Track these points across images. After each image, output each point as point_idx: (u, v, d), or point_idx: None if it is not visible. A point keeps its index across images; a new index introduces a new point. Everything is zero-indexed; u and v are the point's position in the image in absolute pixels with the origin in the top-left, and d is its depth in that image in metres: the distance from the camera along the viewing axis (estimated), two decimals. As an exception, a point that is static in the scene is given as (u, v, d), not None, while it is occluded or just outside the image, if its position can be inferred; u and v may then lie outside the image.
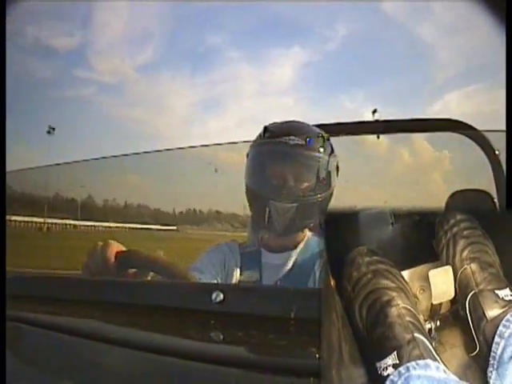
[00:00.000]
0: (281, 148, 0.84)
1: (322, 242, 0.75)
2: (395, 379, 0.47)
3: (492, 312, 0.59)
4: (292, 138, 0.83)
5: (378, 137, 1.23)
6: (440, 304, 0.64)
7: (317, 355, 0.39)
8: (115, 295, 0.59)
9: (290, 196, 0.83)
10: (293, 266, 0.88)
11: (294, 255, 0.89)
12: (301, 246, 0.90)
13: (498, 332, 0.56)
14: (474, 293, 0.61)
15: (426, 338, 0.52)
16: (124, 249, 0.68)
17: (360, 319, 0.56)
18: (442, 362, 0.50)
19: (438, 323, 0.64)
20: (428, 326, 0.62)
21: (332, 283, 0.56)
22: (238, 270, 0.90)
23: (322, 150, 0.85)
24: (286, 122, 0.90)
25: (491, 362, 0.55)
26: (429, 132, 1.37)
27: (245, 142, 0.94)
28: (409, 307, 0.54)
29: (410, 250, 0.68)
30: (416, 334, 0.51)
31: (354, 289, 0.58)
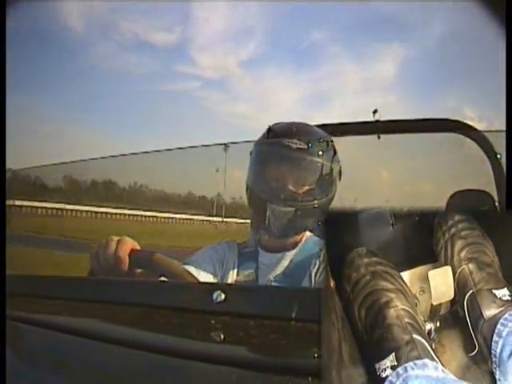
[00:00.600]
0: (282, 151, 0.83)
1: (322, 243, 0.75)
2: (393, 380, 0.47)
3: (489, 311, 0.59)
4: (294, 141, 0.82)
5: (379, 137, 1.22)
6: (440, 305, 0.64)
7: (317, 355, 0.39)
8: (116, 295, 0.59)
9: (289, 200, 0.82)
10: (289, 266, 0.88)
11: (291, 255, 0.89)
12: (299, 246, 0.90)
13: (496, 331, 0.57)
14: (472, 292, 0.61)
15: (424, 339, 0.52)
16: (138, 247, 0.68)
17: (359, 320, 0.56)
18: (441, 362, 0.50)
19: (438, 324, 0.64)
20: (428, 326, 0.62)
21: (332, 284, 0.57)
22: (236, 270, 0.90)
23: (324, 154, 0.84)
24: (291, 123, 0.90)
25: (493, 359, 0.56)
26: (429, 132, 1.37)
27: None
28: (407, 308, 0.55)
29: (410, 250, 0.68)
30: (414, 336, 0.51)
31: (353, 290, 0.58)
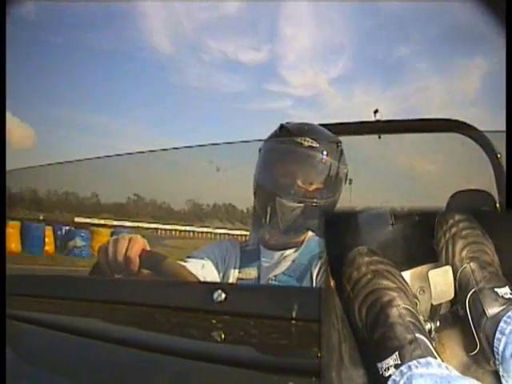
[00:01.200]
0: (294, 148, 0.85)
1: (323, 242, 0.75)
2: (397, 379, 0.47)
3: (492, 310, 0.59)
4: (307, 139, 0.84)
5: (380, 137, 1.23)
6: (440, 305, 0.64)
7: (317, 355, 0.39)
8: (116, 294, 0.59)
9: (297, 196, 0.84)
10: (291, 265, 0.88)
11: (293, 255, 0.89)
12: (301, 246, 0.90)
13: (499, 328, 0.57)
14: (474, 291, 0.62)
15: (426, 338, 0.52)
16: (148, 248, 0.68)
17: (360, 319, 0.56)
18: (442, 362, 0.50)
19: (438, 324, 0.64)
20: (428, 326, 0.62)
21: (332, 283, 0.57)
22: (238, 267, 0.91)
23: (334, 155, 0.86)
24: (302, 123, 0.92)
25: (496, 357, 0.56)
26: (430, 132, 1.37)
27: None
28: (409, 307, 0.54)
29: (410, 250, 0.68)
30: (417, 335, 0.51)
31: (354, 289, 0.58)
